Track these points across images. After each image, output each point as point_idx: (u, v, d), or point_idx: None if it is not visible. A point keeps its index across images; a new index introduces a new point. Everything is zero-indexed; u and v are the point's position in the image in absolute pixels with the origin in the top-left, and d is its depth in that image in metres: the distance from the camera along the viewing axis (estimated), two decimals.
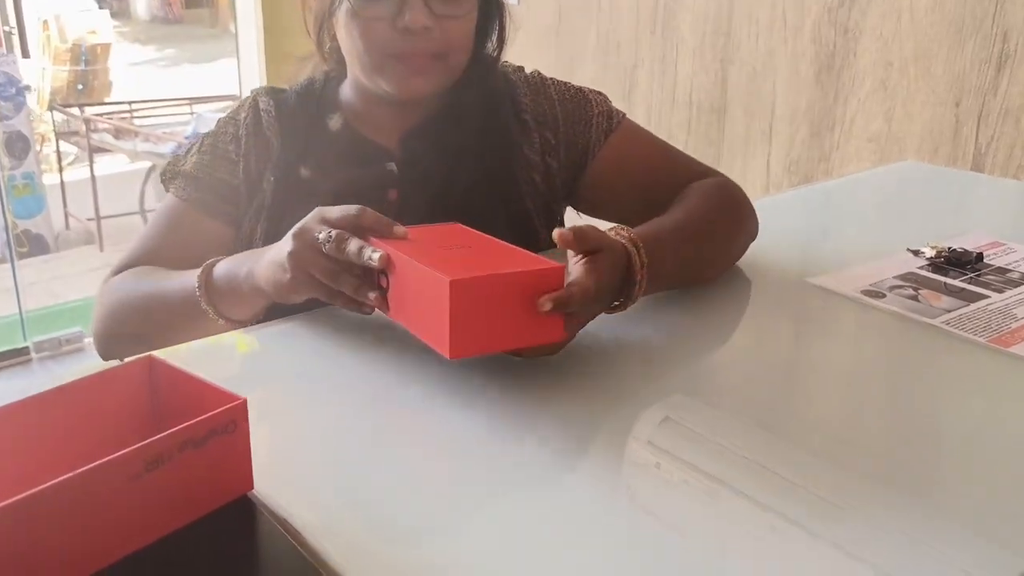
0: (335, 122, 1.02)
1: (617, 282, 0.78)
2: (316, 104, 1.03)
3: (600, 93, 1.08)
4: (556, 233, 0.74)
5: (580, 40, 2.76)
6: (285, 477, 0.61)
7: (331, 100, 1.03)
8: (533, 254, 0.74)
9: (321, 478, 0.63)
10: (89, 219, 4.48)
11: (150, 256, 0.98)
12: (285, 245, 0.77)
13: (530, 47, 2.83)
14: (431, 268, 0.68)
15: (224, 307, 0.86)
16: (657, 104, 2.60)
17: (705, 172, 1.04)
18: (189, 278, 0.87)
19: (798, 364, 0.84)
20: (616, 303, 0.80)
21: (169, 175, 1.02)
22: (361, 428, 0.70)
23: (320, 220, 0.77)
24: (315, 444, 0.68)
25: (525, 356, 0.74)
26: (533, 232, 1.04)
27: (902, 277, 0.97)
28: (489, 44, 1.03)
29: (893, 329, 0.87)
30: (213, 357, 0.82)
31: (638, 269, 0.78)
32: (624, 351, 0.81)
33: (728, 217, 0.98)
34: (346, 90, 1.04)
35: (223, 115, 1.04)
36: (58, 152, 4.82)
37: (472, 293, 0.66)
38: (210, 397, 0.58)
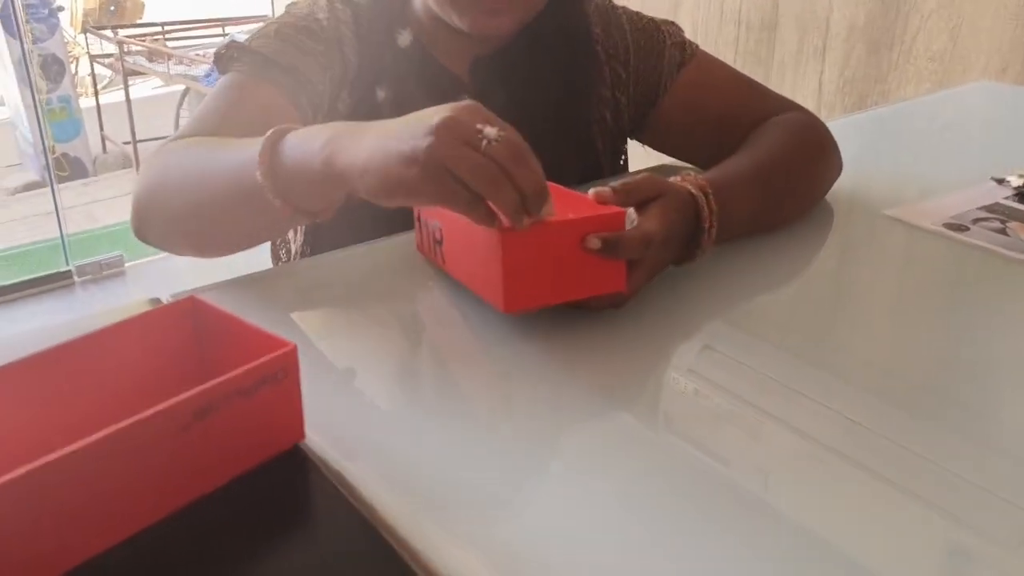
0: (404, 39, 0.93)
1: (684, 231, 0.73)
2: (388, 18, 0.94)
3: (672, 23, 1.02)
4: (596, 192, 0.68)
5: None
6: (339, 427, 0.58)
7: (401, 13, 0.95)
8: (601, 202, 0.69)
9: (377, 428, 0.60)
10: (125, 143, 4.47)
11: (213, 129, 0.81)
12: (418, 133, 0.57)
13: None
14: None
15: (288, 188, 0.66)
16: (703, 21, 2.48)
17: (785, 106, 0.97)
18: (253, 144, 0.67)
19: (875, 303, 0.79)
20: (685, 253, 0.74)
21: (231, 56, 0.86)
22: (419, 375, 0.67)
23: (481, 117, 0.59)
24: (370, 392, 0.65)
25: (587, 308, 0.69)
26: (598, 171, 1.00)
27: (987, 208, 0.91)
28: None
29: (980, 264, 0.82)
30: (254, 295, 0.78)
31: (706, 216, 0.73)
32: (684, 283, 0.76)
33: (810, 156, 0.91)
34: (417, 4, 0.95)
35: (295, 9, 0.91)
36: (93, 75, 4.79)
37: (525, 243, 0.62)
38: (258, 342, 0.55)
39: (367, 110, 0.91)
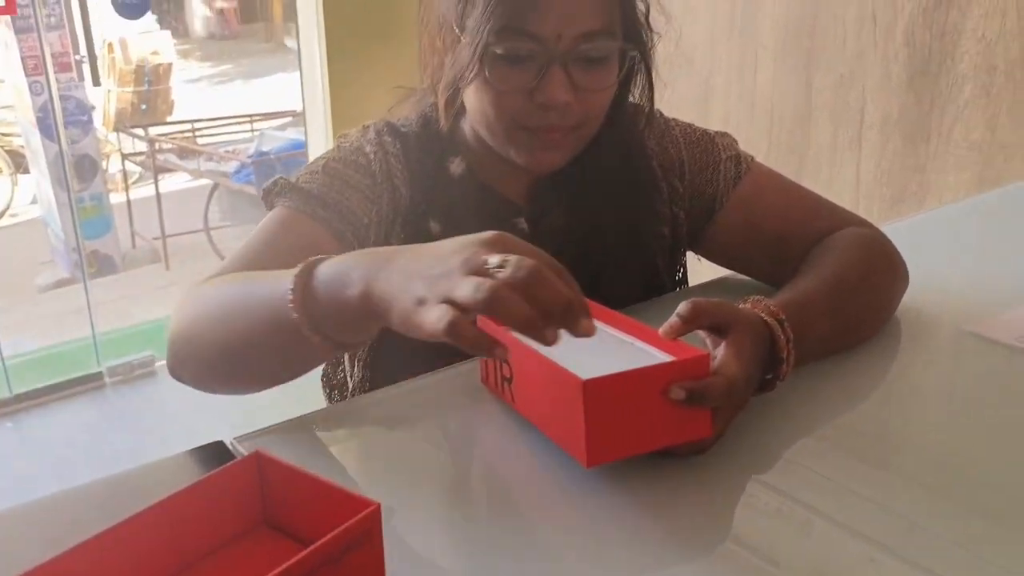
0: (457, 167, 0.92)
1: (762, 363, 0.69)
2: (438, 148, 0.92)
3: (727, 135, 1.00)
4: (667, 327, 0.66)
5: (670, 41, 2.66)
6: None
7: (452, 141, 0.93)
8: (673, 338, 0.66)
9: None
10: (155, 238, 4.52)
11: (249, 265, 0.79)
12: (430, 272, 0.56)
13: None
14: (561, 363, 0.60)
15: (323, 322, 0.64)
16: (735, 112, 2.49)
17: (845, 220, 0.94)
18: (285, 278, 0.66)
19: (962, 421, 0.74)
20: (763, 384, 0.71)
21: (277, 191, 0.86)
22: (495, 530, 0.62)
23: (496, 247, 0.56)
24: (439, 547, 0.60)
25: (671, 455, 0.65)
26: (659, 288, 0.98)
27: None
28: (629, 96, 0.93)
29: None
30: (312, 436, 0.73)
31: (783, 345, 0.70)
32: (760, 404, 0.72)
33: (879, 273, 0.88)
34: (467, 131, 0.94)
35: (344, 142, 0.92)
36: (124, 172, 4.88)
37: (609, 394, 0.59)
38: (334, 500, 0.51)
39: (422, 241, 0.89)
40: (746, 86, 2.45)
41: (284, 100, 5.27)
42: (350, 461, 0.70)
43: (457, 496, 0.66)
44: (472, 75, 0.82)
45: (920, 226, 1.28)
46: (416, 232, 0.90)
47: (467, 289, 0.53)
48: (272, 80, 7.39)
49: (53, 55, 3.56)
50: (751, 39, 2.41)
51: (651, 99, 0.93)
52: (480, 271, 0.54)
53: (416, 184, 0.90)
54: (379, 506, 0.49)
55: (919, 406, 0.79)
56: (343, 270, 0.63)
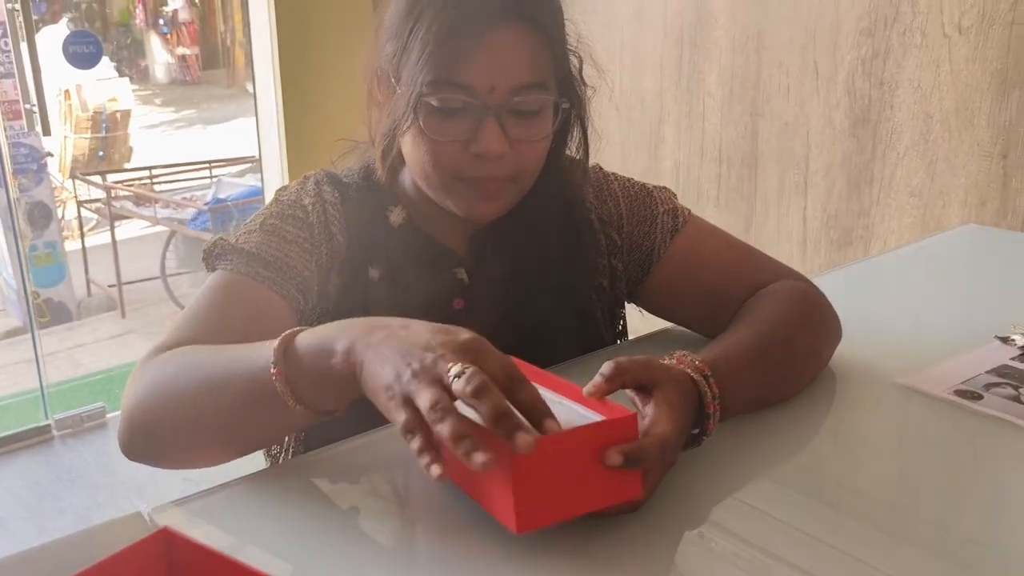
0: (397, 216, 0.93)
1: (691, 420, 0.70)
2: (378, 197, 0.93)
3: (665, 189, 1.01)
4: (591, 387, 0.67)
5: (603, 96, 2.70)
6: None
7: (392, 192, 0.94)
8: (598, 398, 0.66)
9: None
10: (111, 285, 4.46)
11: (200, 336, 0.78)
12: (401, 363, 0.61)
13: None
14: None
15: (307, 391, 0.67)
16: (685, 159, 2.53)
17: (781, 273, 0.96)
18: (261, 351, 0.68)
19: (889, 475, 0.75)
20: (690, 440, 0.71)
21: (217, 253, 0.86)
22: None
23: (461, 355, 0.60)
24: None
25: (602, 516, 0.65)
26: (599, 340, 0.98)
27: (996, 372, 0.88)
28: (566, 149, 0.94)
29: (997, 437, 0.78)
30: (243, 502, 0.72)
31: (709, 402, 0.71)
32: (686, 461, 0.72)
33: (810, 326, 0.89)
34: (407, 182, 0.94)
35: (283, 196, 0.92)
36: (79, 220, 4.82)
37: (538, 456, 0.57)
38: None
39: (361, 290, 0.90)
40: (695, 134, 2.50)
41: (244, 146, 5.26)
42: (272, 531, 0.68)
43: (378, 568, 0.65)
44: (407, 125, 0.84)
45: (861, 272, 1.30)
46: (355, 278, 0.90)
47: (424, 402, 0.58)
48: (233, 125, 7.38)
49: (5, 103, 3.53)
50: (698, 88, 2.46)
51: (586, 151, 0.94)
52: (441, 381, 0.59)
53: (354, 232, 0.91)
54: None
55: (861, 453, 0.80)
56: (326, 341, 0.66)
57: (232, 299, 0.84)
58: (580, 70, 0.92)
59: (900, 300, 1.19)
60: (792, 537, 0.65)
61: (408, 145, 0.87)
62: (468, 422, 0.58)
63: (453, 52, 0.80)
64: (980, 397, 0.83)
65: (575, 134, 0.94)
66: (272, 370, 0.66)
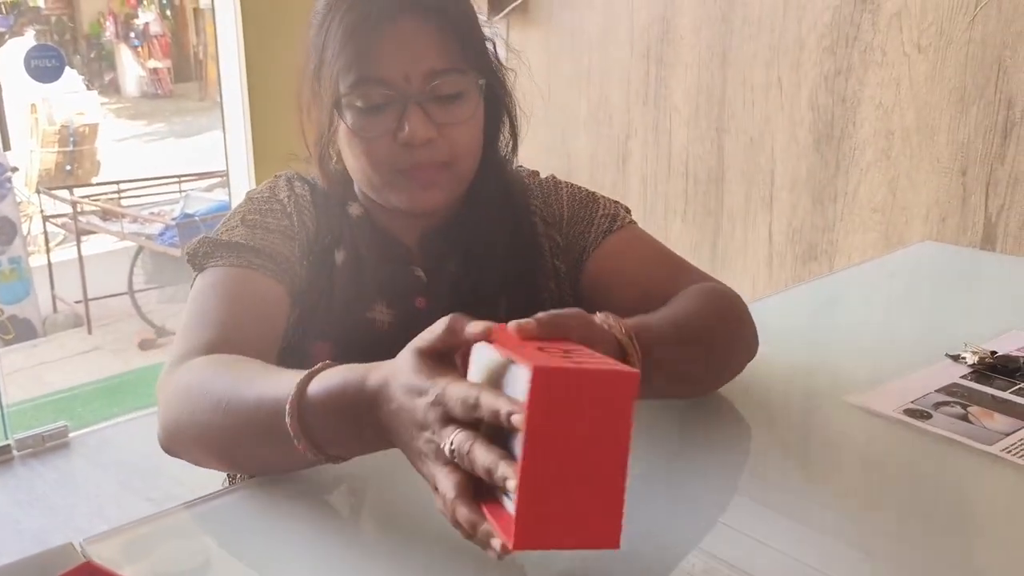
0: (356, 210, 0.96)
1: None
2: (340, 193, 0.97)
3: (616, 202, 1.02)
4: (519, 326, 0.64)
5: (571, 112, 2.71)
6: None
7: (351, 190, 0.98)
8: (523, 338, 0.63)
9: None
10: (77, 301, 4.40)
11: (217, 334, 0.81)
12: (405, 437, 0.61)
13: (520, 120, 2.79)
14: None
15: (328, 441, 0.67)
16: (652, 174, 2.54)
17: (706, 280, 0.96)
18: (275, 396, 0.68)
19: (840, 494, 0.75)
20: None
21: (204, 252, 0.89)
22: None
23: (448, 418, 0.58)
24: None
25: None
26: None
27: (946, 390, 0.88)
28: (501, 141, 0.99)
29: (945, 456, 0.79)
30: (160, 544, 0.70)
31: (636, 363, 0.70)
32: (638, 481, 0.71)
33: (725, 323, 0.89)
34: (358, 188, 0.98)
35: (257, 194, 0.96)
36: (45, 235, 4.76)
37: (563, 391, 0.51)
38: None
39: (327, 271, 0.94)
40: (662, 149, 2.51)
41: (215, 160, 5.22)
42: (200, 561, 0.67)
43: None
44: (334, 128, 0.89)
45: (822, 288, 1.31)
46: (322, 262, 0.94)
47: (447, 491, 0.56)
48: (204, 138, 7.33)
49: None
50: (665, 103, 2.48)
51: (514, 131, 0.99)
52: (447, 459, 0.57)
53: (322, 221, 0.95)
54: None
55: (812, 469, 0.79)
56: (346, 405, 0.65)
57: (233, 292, 0.86)
58: (495, 51, 0.95)
59: (859, 316, 1.19)
60: (758, 550, 0.64)
61: (345, 150, 0.90)
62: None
63: (362, 50, 0.85)
64: (929, 416, 0.83)
65: (505, 121, 0.97)
66: (288, 422, 0.66)
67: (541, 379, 0.49)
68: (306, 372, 0.67)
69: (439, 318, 0.90)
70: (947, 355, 0.96)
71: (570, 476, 0.51)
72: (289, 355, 0.92)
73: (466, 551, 0.57)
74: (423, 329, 0.86)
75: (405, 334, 0.90)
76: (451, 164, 0.89)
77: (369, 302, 0.93)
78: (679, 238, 2.44)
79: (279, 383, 0.68)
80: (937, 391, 0.88)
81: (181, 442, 0.77)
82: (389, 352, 0.73)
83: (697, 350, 0.83)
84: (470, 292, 0.94)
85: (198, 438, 0.75)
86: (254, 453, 0.73)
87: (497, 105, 0.96)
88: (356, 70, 0.85)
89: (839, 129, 2.10)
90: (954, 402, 0.86)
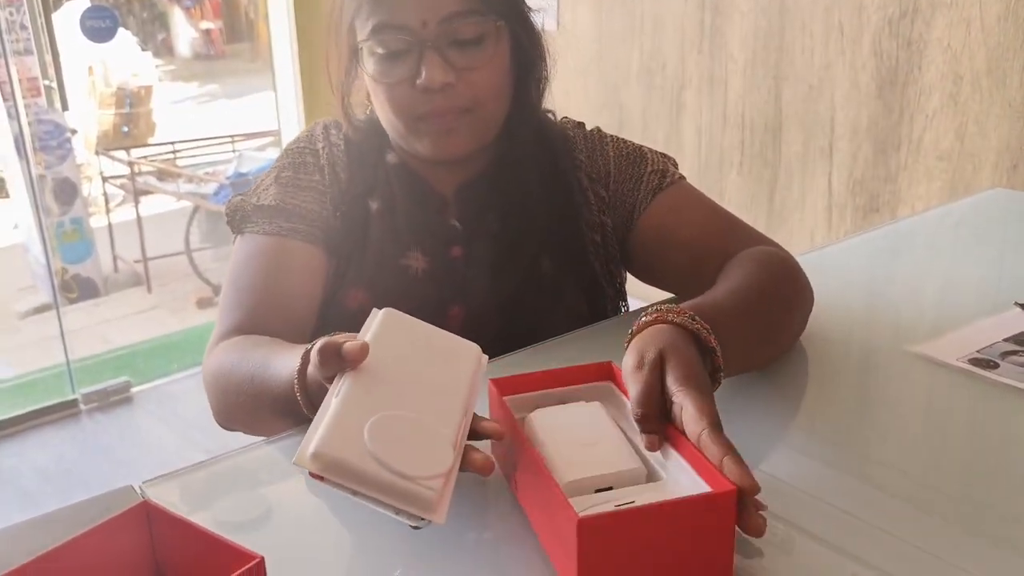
0: (393, 158, 0.96)
1: (703, 369, 0.66)
2: (376, 142, 0.97)
3: (664, 155, 0.99)
4: (648, 444, 0.61)
5: (623, 63, 2.65)
6: None
7: (388, 139, 0.97)
8: (654, 448, 0.60)
9: None
10: (136, 261, 4.50)
11: (251, 311, 0.88)
12: None
13: (571, 74, 2.74)
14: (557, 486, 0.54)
15: None
16: (707, 126, 2.48)
17: (758, 240, 0.93)
18: (285, 377, 0.72)
19: (902, 448, 0.72)
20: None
21: (241, 216, 0.93)
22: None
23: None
24: None
25: None
26: (602, 294, 0.99)
27: (1015, 339, 0.85)
28: (534, 87, 0.96)
29: (1012, 406, 0.75)
30: (215, 487, 0.71)
31: (707, 337, 0.67)
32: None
33: (785, 288, 0.85)
34: (393, 137, 0.97)
35: (294, 145, 0.97)
36: (105, 196, 4.86)
37: (608, 531, 0.51)
38: (220, 553, 0.49)
39: (361, 220, 0.94)
40: (717, 100, 2.45)
41: (268, 120, 5.26)
42: (258, 505, 0.67)
43: (354, 551, 0.63)
44: (355, 75, 0.91)
45: (885, 238, 1.26)
46: (356, 211, 0.94)
47: None
48: (256, 98, 7.37)
49: (27, 80, 3.54)
50: (720, 52, 2.41)
51: (544, 68, 0.96)
52: None
53: (356, 170, 0.96)
54: (262, 559, 0.47)
55: (876, 423, 0.77)
56: None
57: (268, 265, 0.90)
58: None
59: (924, 266, 1.15)
60: (813, 507, 0.63)
61: (373, 99, 0.92)
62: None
63: None
64: (996, 366, 0.80)
65: (537, 66, 0.95)
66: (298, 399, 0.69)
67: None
68: (304, 349, 0.69)
69: (475, 268, 0.90)
70: (1016, 303, 0.92)
71: None
72: (329, 305, 0.93)
73: (466, 550, 0.56)
74: (458, 278, 0.87)
75: (439, 282, 0.92)
76: (472, 109, 0.88)
77: (404, 249, 0.93)
78: (735, 191, 2.38)
79: (286, 363, 0.72)
80: (1005, 340, 0.84)
81: (226, 420, 0.85)
82: (423, 299, 0.73)
83: (762, 322, 0.80)
84: (508, 246, 0.93)
85: (233, 417, 0.83)
86: (275, 427, 0.77)
87: (526, 49, 0.93)
88: (375, 16, 0.85)
89: (904, 74, 2.02)
90: (1023, 351, 0.82)
